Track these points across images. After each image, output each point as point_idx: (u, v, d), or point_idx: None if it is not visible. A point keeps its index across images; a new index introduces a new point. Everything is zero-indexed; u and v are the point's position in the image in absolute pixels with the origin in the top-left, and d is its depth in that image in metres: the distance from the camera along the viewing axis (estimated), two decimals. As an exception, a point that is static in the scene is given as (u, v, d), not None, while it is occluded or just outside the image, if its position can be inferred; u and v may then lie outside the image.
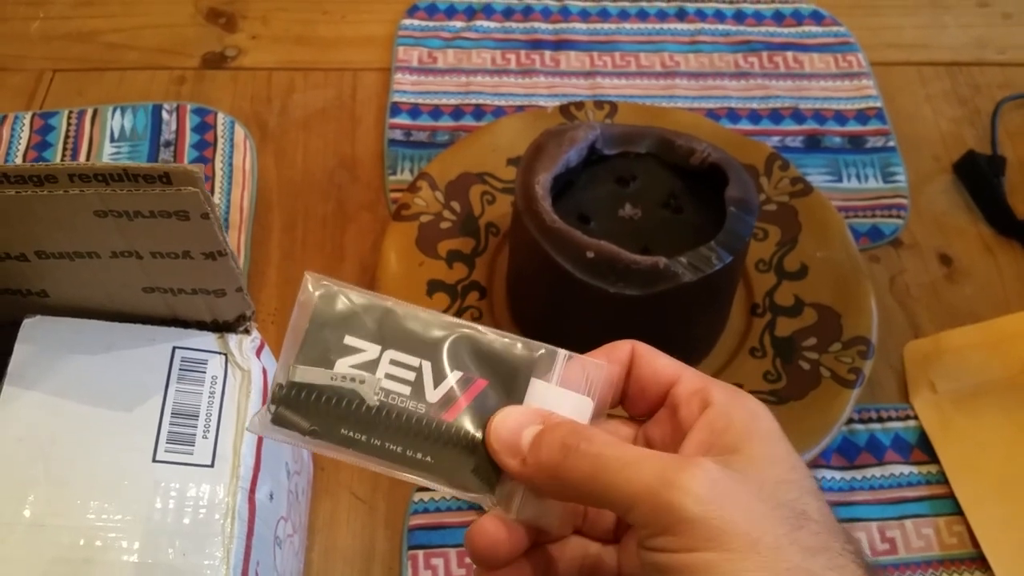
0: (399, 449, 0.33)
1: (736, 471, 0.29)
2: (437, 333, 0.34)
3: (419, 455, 0.33)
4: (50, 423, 0.41)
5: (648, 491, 0.29)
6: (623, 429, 0.35)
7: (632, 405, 0.35)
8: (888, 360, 0.65)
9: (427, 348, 0.33)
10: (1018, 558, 0.56)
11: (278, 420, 0.33)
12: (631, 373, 0.34)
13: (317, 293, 0.34)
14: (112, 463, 0.40)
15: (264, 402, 0.44)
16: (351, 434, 0.33)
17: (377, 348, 0.33)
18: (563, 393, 0.33)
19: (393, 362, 0.33)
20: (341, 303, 0.34)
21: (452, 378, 0.33)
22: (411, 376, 0.33)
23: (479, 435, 0.33)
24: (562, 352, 0.34)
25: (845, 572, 0.28)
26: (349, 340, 0.33)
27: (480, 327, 0.34)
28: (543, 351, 0.34)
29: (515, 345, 0.34)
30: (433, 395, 0.33)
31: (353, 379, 0.33)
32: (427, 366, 0.33)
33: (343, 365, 0.33)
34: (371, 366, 0.33)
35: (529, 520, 0.33)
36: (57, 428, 0.41)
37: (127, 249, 0.41)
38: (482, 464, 0.33)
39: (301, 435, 0.33)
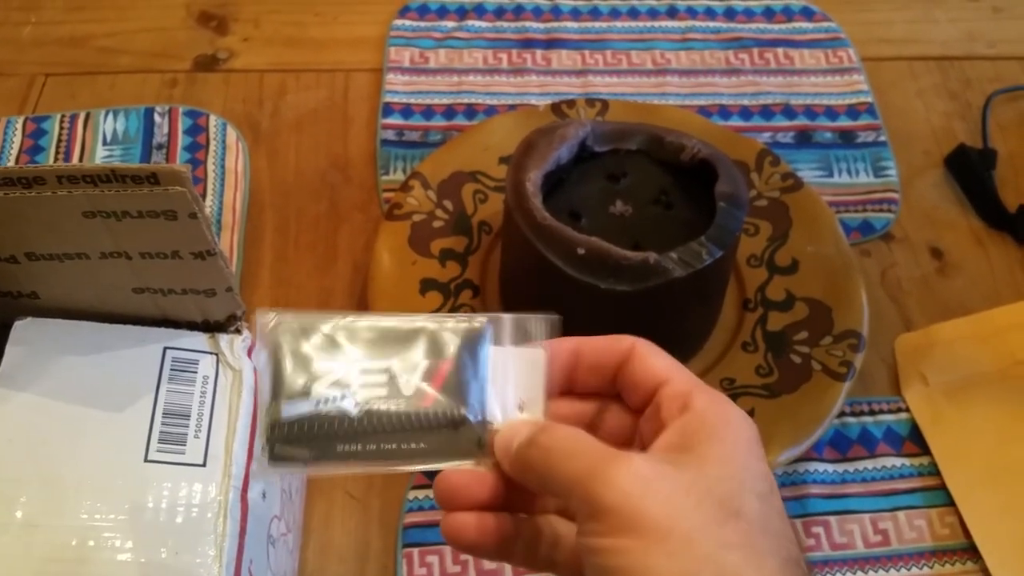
0: (394, 446, 0.35)
1: (672, 466, 0.31)
2: (396, 333, 0.36)
3: (412, 445, 0.35)
4: (41, 424, 0.41)
5: (579, 481, 0.31)
6: (625, 418, 0.37)
7: (628, 398, 0.36)
8: (880, 353, 0.65)
9: (391, 349, 0.35)
10: (1009, 547, 0.56)
11: (277, 458, 0.34)
12: (626, 367, 0.36)
13: (271, 325, 0.35)
14: (104, 463, 0.41)
15: (255, 405, 0.45)
16: (347, 448, 0.34)
17: (345, 362, 0.35)
18: (518, 351, 0.36)
19: (363, 371, 0.35)
20: (299, 330, 0.35)
21: (420, 368, 0.35)
22: (383, 379, 0.35)
23: (459, 411, 0.35)
24: (507, 316, 0.36)
25: (762, 572, 0.29)
26: (318, 364, 0.35)
27: (433, 316, 0.36)
28: (486, 318, 0.36)
29: (467, 322, 0.36)
30: (408, 389, 0.35)
31: (333, 399, 0.35)
32: (395, 364, 0.35)
33: (320, 388, 0.35)
34: (345, 380, 0.35)
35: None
36: (49, 429, 0.41)
37: (116, 250, 0.41)
38: (467, 434, 0.35)
39: (303, 465, 0.35)
